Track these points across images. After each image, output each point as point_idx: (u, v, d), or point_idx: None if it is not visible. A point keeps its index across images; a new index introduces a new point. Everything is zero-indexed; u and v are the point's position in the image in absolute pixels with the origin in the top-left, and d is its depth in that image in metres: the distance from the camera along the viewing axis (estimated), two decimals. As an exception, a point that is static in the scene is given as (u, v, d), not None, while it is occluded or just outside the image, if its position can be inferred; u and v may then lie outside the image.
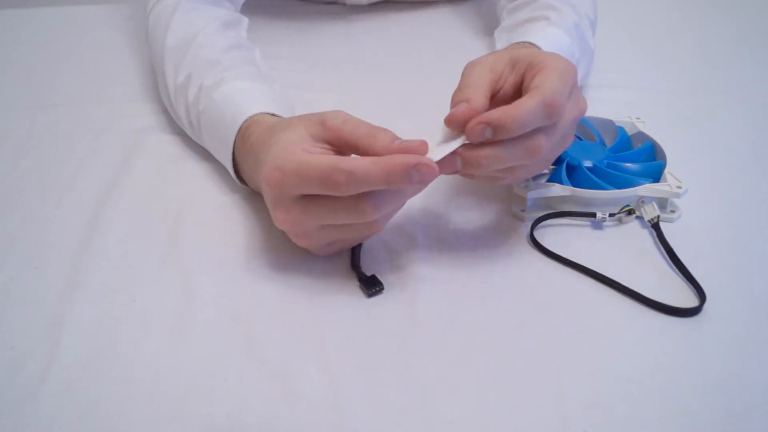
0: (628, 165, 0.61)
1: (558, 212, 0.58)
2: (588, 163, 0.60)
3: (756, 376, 0.46)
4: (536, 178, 0.59)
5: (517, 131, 0.48)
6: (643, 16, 0.95)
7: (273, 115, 0.58)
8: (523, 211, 0.58)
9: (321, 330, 0.49)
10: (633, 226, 0.58)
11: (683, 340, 0.49)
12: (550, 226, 0.58)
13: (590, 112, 0.59)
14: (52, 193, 0.62)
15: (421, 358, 0.47)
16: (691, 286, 0.52)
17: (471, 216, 0.59)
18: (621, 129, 0.65)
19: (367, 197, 0.47)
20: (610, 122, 0.65)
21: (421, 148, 0.47)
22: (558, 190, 0.58)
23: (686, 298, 0.51)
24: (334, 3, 0.93)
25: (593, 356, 0.48)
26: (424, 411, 0.44)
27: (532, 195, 0.58)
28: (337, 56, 0.84)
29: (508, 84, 0.53)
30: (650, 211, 0.57)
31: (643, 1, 0.99)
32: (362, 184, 0.45)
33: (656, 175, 0.60)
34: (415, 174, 0.45)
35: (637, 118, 0.66)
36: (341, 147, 0.49)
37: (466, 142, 0.49)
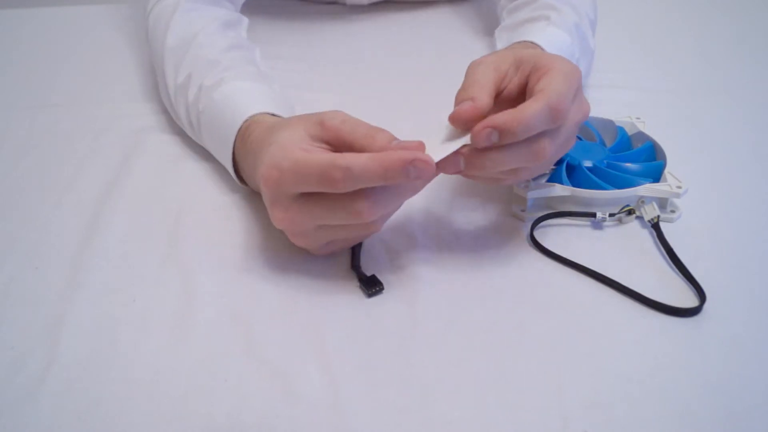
0: (628, 165, 0.61)
1: (558, 212, 0.58)
2: (588, 163, 0.60)
3: (756, 376, 0.46)
4: (536, 178, 0.59)
5: (522, 135, 0.48)
6: (643, 16, 0.95)
7: (273, 115, 0.58)
8: (523, 211, 0.58)
9: (321, 330, 0.49)
10: (633, 226, 0.58)
11: (683, 340, 0.49)
12: (550, 226, 0.58)
13: (590, 112, 0.58)
14: (52, 193, 0.62)
15: (421, 358, 0.47)
16: (691, 286, 0.52)
17: (471, 216, 0.59)
18: (621, 129, 0.65)
19: (364, 198, 0.46)
20: (610, 122, 0.65)
21: (419, 149, 0.47)
22: (558, 190, 0.58)
23: (686, 298, 0.51)
24: (334, 3, 0.93)
25: (593, 356, 0.48)
26: (424, 411, 0.44)
27: (532, 195, 0.58)
28: (337, 56, 0.84)
29: (513, 84, 0.53)
30: (650, 211, 0.57)
31: (643, 1, 0.99)
32: (359, 179, 0.45)
33: (656, 175, 0.60)
34: (412, 170, 0.45)
35: (637, 118, 0.66)
36: (339, 147, 0.49)
37: (467, 143, 0.49)
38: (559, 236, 0.57)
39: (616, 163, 0.61)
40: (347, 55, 0.84)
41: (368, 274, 0.53)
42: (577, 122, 0.52)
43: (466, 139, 0.49)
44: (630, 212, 0.58)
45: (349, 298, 0.52)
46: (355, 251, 0.54)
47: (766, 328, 0.50)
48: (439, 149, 0.49)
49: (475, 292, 0.52)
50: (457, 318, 0.50)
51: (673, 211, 0.59)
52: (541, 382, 0.46)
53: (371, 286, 0.52)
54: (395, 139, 0.48)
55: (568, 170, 0.59)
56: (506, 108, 0.50)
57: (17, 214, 0.60)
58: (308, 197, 0.48)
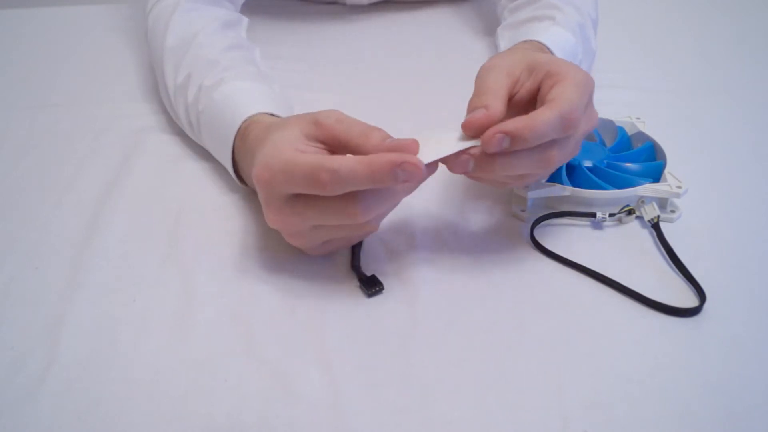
0: (628, 165, 0.61)
1: (558, 212, 0.58)
2: (588, 163, 0.60)
3: (756, 376, 0.46)
4: (536, 178, 0.59)
5: (533, 142, 0.48)
6: (643, 16, 0.95)
7: (272, 115, 0.58)
8: (523, 211, 0.58)
9: (321, 330, 0.49)
10: (633, 226, 0.58)
11: (683, 340, 0.49)
12: (550, 226, 0.58)
13: (590, 112, 0.59)
14: (52, 193, 0.62)
15: (421, 358, 0.47)
16: (691, 286, 0.52)
17: (471, 216, 0.59)
18: (621, 129, 0.65)
19: (356, 199, 0.46)
20: (610, 122, 0.65)
21: (412, 146, 0.47)
22: (558, 190, 0.58)
23: (686, 298, 0.51)
24: (334, 3, 0.93)
25: (593, 356, 0.48)
26: (424, 411, 0.44)
27: (532, 195, 0.58)
28: (337, 56, 0.84)
29: (524, 89, 0.53)
30: (650, 211, 0.57)
31: (643, 1, 0.99)
32: (347, 183, 0.45)
33: (656, 175, 0.60)
34: (400, 173, 0.44)
35: (637, 118, 0.66)
36: (335, 146, 0.48)
37: (468, 145, 0.49)
38: (559, 236, 0.57)
39: (616, 163, 0.61)
40: (347, 55, 0.84)
41: (368, 274, 0.53)
42: (585, 132, 0.52)
43: (472, 143, 0.49)
44: (630, 212, 0.58)
45: (349, 298, 0.52)
46: (355, 251, 0.54)
47: (766, 328, 0.50)
48: (438, 150, 0.48)
49: (475, 292, 0.52)
50: (457, 318, 0.50)
51: (673, 211, 0.59)
52: (541, 382, 0.46)
53: (371, 286, 0.52)
54: (389, 137, 0.47)
55: (568, 170, 0.59)
56: (516, 112, 0.50)
57: (17, 214, 0.60)
58: (300, 198, 0.47)
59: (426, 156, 0.47)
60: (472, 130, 0.49)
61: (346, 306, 0.51)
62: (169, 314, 0.50)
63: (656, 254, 0.56)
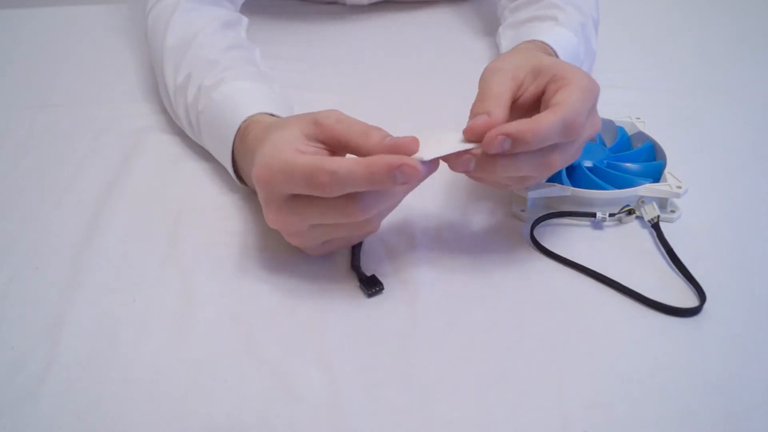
0: (628, 165, 0.61)
1: (558, 212, 0.58)
2: (588, 163, 0.60)
3: (756, 376, 0.46)
4: (536, 178, 0.59)
5: (535, 146, 0.48)
6: (643, 16, 0.95)
7: (272, 115, 0.58)
8: (523, 211, 0.58)
9: (321, 330, 0.49)
10: (633, 226, 0.58)
11: (683, 340, 0.49)
12: (550, 226, 0.58)
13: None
14: (52, 193, 0.62)
15: (421, 358, 0.47)
16: (691, 286, 0.52)
17: (471, 216, 0.59)
18: (621, 129, 0.65)
19: (355, 198, 0.46)
20: (610, 122, 0.65)
21: (412, 144, 0.46)
22: (558, 190, 0.58)
23: (686, 298, 0.51)
24: (334, 3, 0.93)
25: (593, 356, 0.48)
26: (424, 411, 0.44)
27: (532, 195, 0.58)
28: (337, 56, 0.84)
29: (529, 93, 0.53)
30: (650, 211, 0.57)
31: (643, 1, 0.99)
32: (346, 184, 0.45)
33: (656, 175, 0.60)
34: (399, 175, 0.44)
35: (637, 118, 0.66)
36: (335, 146, 0.48)
37: (470, 147, 0.49)
38: (559, 236, 0.57)
39: (616, 163, 0.61)
40: (347, 55, 0.84)
41: (368, 274, 0.53)
42: (588, 137, 0.52)
43: (473, 145, 0.49)
44: (630, 212, 0.58)
45: (349, 298, 0.52)
46: (355, 251, 0.54)
47: (766, 328, 0.50)
48: (438, 149, 0.48)
49: (475, 292, 0.52)
50: (457, 318, 0.50)
51: (673, 211, 0.59)
52: (541, 382, 0.46)
53: (371, 286, 0.52)
54: (389, 136, 0.47)
55: (568, 170, 0.59)
56: (519, 115, 0.50)
57: (17, 214, 0.60)
58: (300, 198, 0.47)
59: (426, 153, 0.47)
60: (474, 136, 0.49)
61: (346, 306, 0.51)
62: (169, 314, 0.50)
63: (656, 254, 0.56)
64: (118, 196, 0.61)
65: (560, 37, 0.66)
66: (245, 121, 0.57)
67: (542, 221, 0.58)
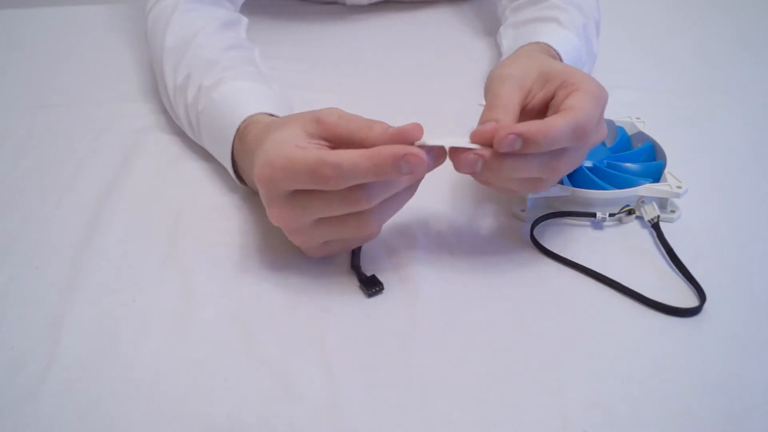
0: (628, 165, 0.61)
1: (558, 212, 0.58)
2: (588, 163, 0.60)
3: (756, 376, 0.46)
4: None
5: (545, 148, 0.48)
6: (643, 16, 0.95)
7: (271, 115, 0.58)
8: (523, 211, 0.58)
9: (321, 330, 0.49)
10: (633, 226, 0.58)
11: (683, 340, 0.49)
12: (550, 226, 0.58)
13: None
14: (52, 193, 0.62)
15: (421, 358, 0.47)
16: (691, 286, 0.52)
17: (471, 216, 0.59)
18: (621, 129, 0.65)
19: (360, 186, 0.46)
20: (610, 122, 0.65)
21: (416, 131, 0.46)
22: (558, 190, 0.58)
23: (686, 298, 0.51)
24: (334, 3, 0.93)
25: (593, 356, 0.48)
26: (424, 411, 0.44)
27: (532, 195, 0.58)
28: (337, 56, 0.84)
29: (537, 99, 0.53)
30: (650, 211, 0.57)
31: (643, 1, 0.99)
32: (350, 176, 0.45)
33: (656, 175, 0.60)
34: (403, 165, 0.45)
35: (637, 118, 0.66)
36: (337, 143, 0.48)
37: (476, 146, 0.49)
38: (559, 236, 0.57)
39: (616, 163, 0.61)
40: (347, 55, 0.84)
41: (368, 274, 0.53)
42: (593, 144, 0.52)
43: (479, 146, 0.49)
44: (630, 212, 0.58)
45: (349, 298, 0.52)
46: (355, 251, 0.54)
47: (766, 328, 0.50)
48: (444, 141, 0.48)
49: (475, 292, 0.52)
50: (457, 318, 0.50)
51: (673, 211, 0.59)
52: (541, 382, 0.46)
53: (371, 286, 0.52)
54: (392, 127, 0.47)
55: (568, 170, 0.59)
56: (526, 120, 0.49)
57: (17, 214, 0.60)
58: (303, 193, 0.47)
59: (432, 141, 0.47)
60: (481, 139, 0.49)
61: (346, 306, 0.51)
62: (169, 314, 0.50)
63: (656, 254, 0.56)
64: (118, 196, 0.61)
65: (563, 40, 0.66)
66: (244, 121, 0.57)
67: (542, 221, 0.58)
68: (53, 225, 0.58)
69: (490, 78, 0.54)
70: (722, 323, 0.50)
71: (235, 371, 0.46)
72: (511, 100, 0.51)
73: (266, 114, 0.58)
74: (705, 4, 0.98)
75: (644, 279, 0.53)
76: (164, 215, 0.59)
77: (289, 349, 0.48)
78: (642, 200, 0.58)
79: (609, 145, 0.64)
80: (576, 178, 0.59)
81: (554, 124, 0.48)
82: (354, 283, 0.53)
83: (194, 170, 0.65)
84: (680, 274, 0.53)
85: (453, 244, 0.56)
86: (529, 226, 0.57)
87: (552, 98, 0.53)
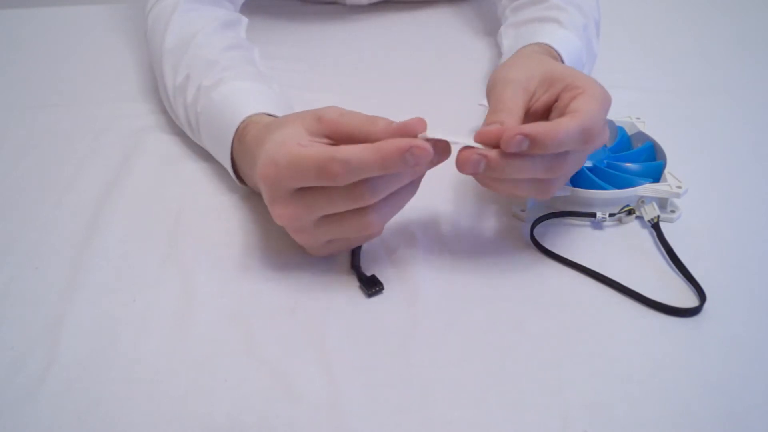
0: (628, 165, 0.61)
1: (558, 212, 0.58)
2: (588, 163, 0.59)
3: (756, 376, 0.46)
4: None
5: (552, 150, 0.48)
6: (643, 16, 0.95)
7: (270, 115, 0.58)
8: (523, 211, 0.58)
9: (321, 330, 0.49)
10: (633, 226, 0.58)
11: (683, 340, 0.49)
12: (550, 226, 0.58)
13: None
14: (52, 193, 0.62)
15: (421, 358, 0.47)
16: (691, 286, 0.52)
17: (471, 216, 0.59)
18: (621, 129, 0.65)
19: (365, 181, 0.46)
20: (610, 122, 0.65)
21: (419, 125, 0.47)
22: (558, 190, 0.58)
23: (686, 298, 0.51)
24: (334, 3, 0.93)
25: (593, 356, 0.48)
26: (424, 411, 0.44)
27: (532, 195, 0.58)
28: (337, 56, 0.84)
29: (540, 102, 0.53)
30: (650, 211, 0.57)
31: (643, 1, 0.99)
32: (359, 171, 0.45)
33: (656, 175, 0.60)
34: (409, 157, 0.45)
35: (637, 118, 0.66)
36: (339, 140, 0.49)
37: (479, 146, 0.49)
38: (559, 236, 0.57)
39: (616, 163, 0.61)
40: (347, 55, 0.84)
41: (368, 274, 0.53)
42: (595, 148, 0.52)
43: (472, 143, 0.49)
44: (630, 212, 0.58)
45: (349, 298, 0.52)
46: (355, 251, 0.54)
47: (766, 328, 0.50)
48: (447, 135, 0.48)
49: (475, 292, 0.52)
50: (457, 318, 0.50)
51: (673, 211, 0.59)
52: (541, 382, 0.46)
53: (371, 286, 0.52)
54: (393, 122, 0.48)
55: (568, 170, 0.59)
56: (529, 122, 0.49)
57: (17, 214, 0.60)
58: (307, 190, 0.48)
59: (436, 135, 0.47)
60: (486, 140, 0.49)
61: (346, 306, 0.51)
62: (169, 314, 0.50)
63: (656, 254, 0.56)
64: (118, 196, 0.61)
65: (564, 41, 0.66)
66: (243, 121, 0.57)
67: (542, 221, 0.58)
68: (53, 225, 0.58)
69: (494, 81, 0.54)
70: (722, 323, 0.50)
71: (235, 371, 0.46)
72: (515, 104, 0.52)
73: (265, 114, 0.58)
74: (705, 4, 0.98)
75: (644, 279, 0.53)
76: (164, 215, 0.59)
77: (289, 349, 0.48)
78: (642, 200, 0.58)
79: (609, 145, 0.64)
80: (576, 178, 0.59)
81: (562, 127, 0.48)
82: (354, 283, 0.53)
83: (194, 170, 0.65)
84: (680, 274, 0.53)
85: (453, 244, 0.56)
86: (529, 226, 0.57)
87: (555, 101, 0.53)
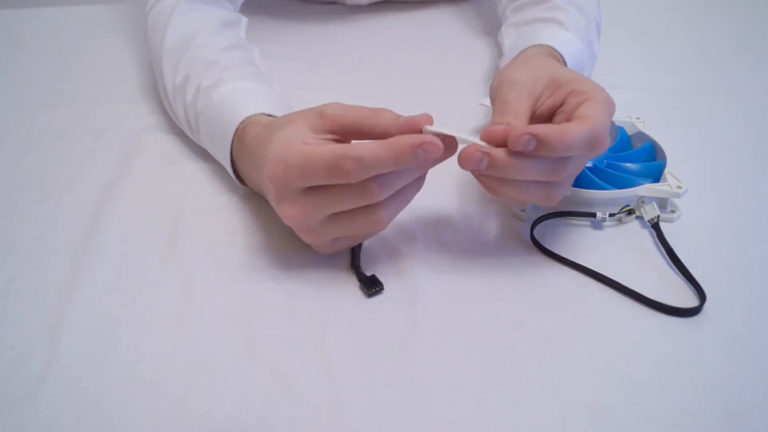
0: (628, 165, 0.61)
1: (558, 212, 0.58)
2: (588, 163, 0.59)
3: (756, 376, 0.46)
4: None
5: (559, 153, 0.48)
6: (643, 16, 0.95)
7: (270, 116, 0.58)
8: (523, 211, 0.58)
9: (321, 330, 0.49)
10: (633, 226, 0.58)
11: (683, 340, 0.49)
12: (550, 226, 0.58)
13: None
14: (52, 193, 0.62)
15: (421, 358, 0.47)
16: (691, 286, 0.52)
17: (471, 216, 0.59)
18: (621, 129, 0.65)
19: (374, 178, 0.47)
20: (611, 122, 0.65)
21: (426, 121, 0.47)
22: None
23: (686, 298, 0.51)
24: (334, 3, 0.93)
25: (593, 356, 0.48)
26: (424, 411, 0.44)
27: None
28: (337, 56, 0.84)
29: (545, 106, 0.53)
30: (650, 211, 0.57)
31: (643, 1, 0.99)
32: (371, 168, 0.46)
33: (656, 175, 0.60)
34: (421, 153, 0.46)
35: (637, 118, 0.66)
36: (343, 134, 0.49)
37: (480, 143, 0.49)
38: (559, 236, 0.57)
39: (616, 163, 0.61)
40: (347, 55, 0.84)
41: (368, 274, 0.53)
42: (597, 154, 0.52)
43: (477, 141, 0.49)
44: (630, 212, 0.58)
45: (349, 298, 0.52)
46: (355, 251, 0.54)
47: (766, 328, 0.50)
48: (452, 131, 0.48)
49: (475, 292, 0.52)
50: (457, 318, 0.50)
51: (673, 211, 0.59)
52: (541, 382, 0.46)
53: (371, 286, 0.52)
54: (400, 116, 0.48)
55: (568, 170, 0.59)
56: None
57: (17, 214, 0.60)
58: (316, 188, 0.48)
59: (442, 130, 0.48)
60: (491, 139, 0.49)
61: (346, 306, 0.51)
62: (169, 314, 0.50)
63: (656, 254, 0.56)
64: (118, 196, 0.61)
65: (566, 42, 0.65)
66: (243, 121, 0.57)
67: (542, 221, 0.58)
68: (53, 225, 0.58)
69: (499, 82, 0.54)
70: (722, 323, 0.50)
71: (235, 371, 0.46)
72: (521, 106, 0.52)
73: (265, 114, 0.58)
74: (705, 4, 0.98)
75: (644, 279, 0.53)
76: (164, 215, 0.59)
77: (289, 349, 0.48)
78: (642, 200, 0.58)
79: (609, 145, 0.63)
80: (576, 178, 0.59)
81: (571, 131, 0.48)
82: (354, 283, 0.53)
83: (194, 170, 0.65)
84: (680, 274, 0.53)
85: (453, 244, 0.56)
86: (529, 226, 0.57)
87: (560, 105, 0.53)
